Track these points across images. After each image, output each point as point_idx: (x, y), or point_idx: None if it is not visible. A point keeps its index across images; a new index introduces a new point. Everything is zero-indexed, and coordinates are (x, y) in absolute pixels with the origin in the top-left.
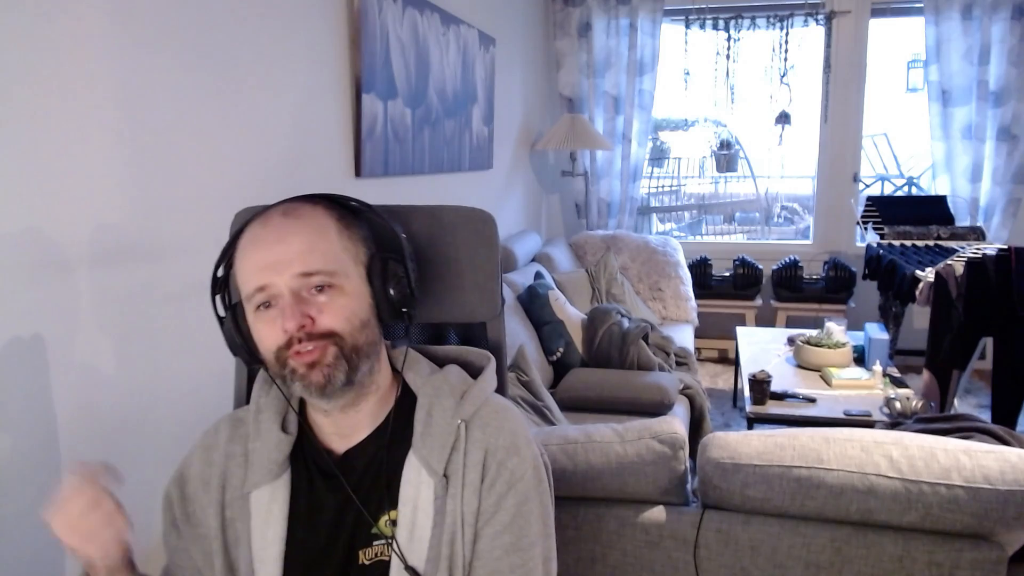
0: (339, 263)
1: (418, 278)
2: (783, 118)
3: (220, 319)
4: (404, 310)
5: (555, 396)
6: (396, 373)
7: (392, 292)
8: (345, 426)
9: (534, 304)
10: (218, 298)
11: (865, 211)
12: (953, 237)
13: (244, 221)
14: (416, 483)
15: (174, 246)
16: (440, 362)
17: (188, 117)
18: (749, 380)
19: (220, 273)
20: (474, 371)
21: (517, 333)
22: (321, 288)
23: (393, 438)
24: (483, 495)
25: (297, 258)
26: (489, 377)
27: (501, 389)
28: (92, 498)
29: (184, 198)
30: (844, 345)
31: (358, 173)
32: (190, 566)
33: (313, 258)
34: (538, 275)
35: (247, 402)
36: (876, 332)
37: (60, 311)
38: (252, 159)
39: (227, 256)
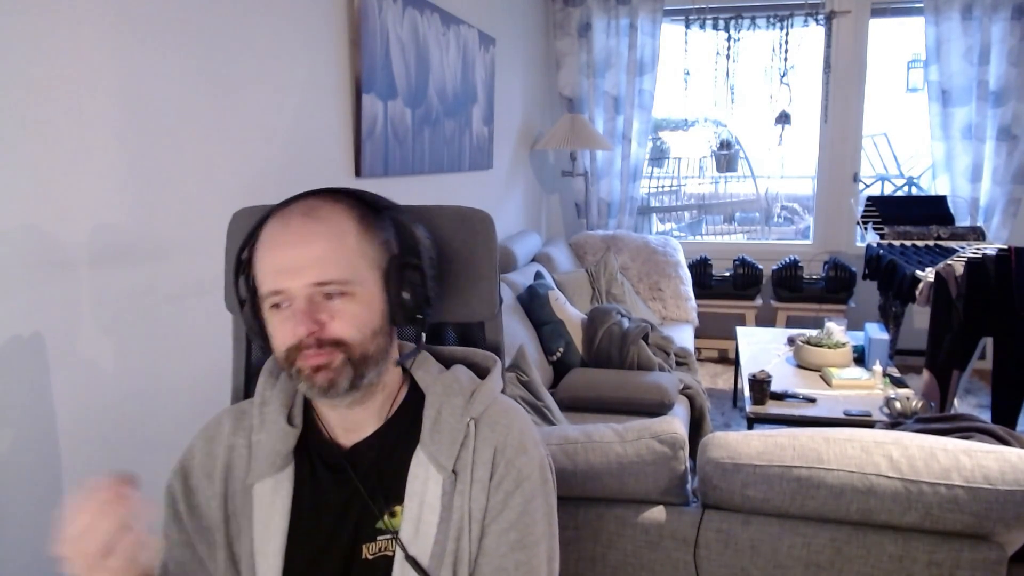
0: (355, 271)
1: (436, 282)
2: (783, 118)
3: (240, 303)
4: (419, 316)
5: (555, 396)
6: (404, 370)
7: (407, 299)
8: (352, 421)
9: (534, 304)
10: (241, 280)
11: (865, 211)
12: (953, 237)
13: (267, 211)
14: (423, 479)
15: (174, 246)
16: (446, 362)
17: (188, 117)
18: (749, 380)
19: (244, 256)
20: (480, 372)
21: (517, 333)
22: (335, 294)
23: (400, 434)
24: (491, 492)
25: (313, 265)
26: (496, 378)
27: (502, 391)
28: (119, 521)
29: (184, 198)
30: (844, 345)
31: (358, 173)
32: (192, 559)
33: (328, 267)
34: (538, 275)
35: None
36: (876, 332)
37: (60, 310)
38: (252, 159)
39: (249, 242)
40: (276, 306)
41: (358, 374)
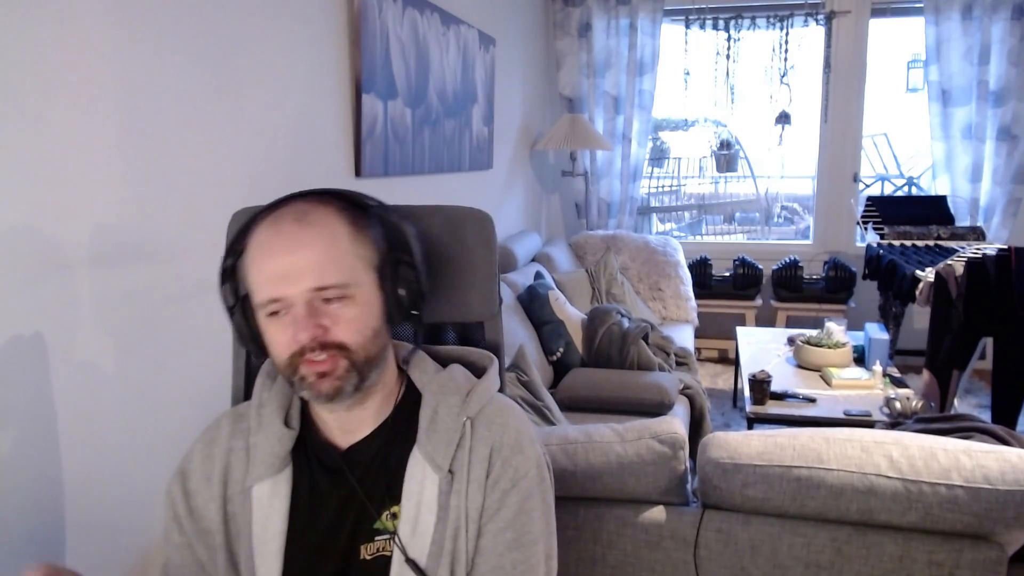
0: (352, 273)
1: (428, 277)
2: (783, 118)
3: (229, 310)
4: (414, 312)
5: (555, 396)
6: (400, 370)
7: (403, 295)
8: (349, 422)
9: (534, 304)
10: (227, 288)
11: (865, 211)
12: (953, 237)
13: (250, 217)
14: (420, 479)
15: (174, 246)
16: (443, 362)
17: (188, 117)
18: (749, 380)
19: (228, 264)
20: (476, 371)
21: (517, 333)
22: (333, 298)
23: (397, 434)
24: (487, 491)
25: (311, 271)
26: (493, 377)
27: (500, 389)
28: None
29: (184, 198)
30: (844, 345)
31: (358, 173)
32: (192, 562)
33: (326, 271)
34: (538, 275)
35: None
36: (876, 332)
37: (60, 310)
38: (252, 159)
39: (235, 249)
40: (274, 314)
41: (362, 377)
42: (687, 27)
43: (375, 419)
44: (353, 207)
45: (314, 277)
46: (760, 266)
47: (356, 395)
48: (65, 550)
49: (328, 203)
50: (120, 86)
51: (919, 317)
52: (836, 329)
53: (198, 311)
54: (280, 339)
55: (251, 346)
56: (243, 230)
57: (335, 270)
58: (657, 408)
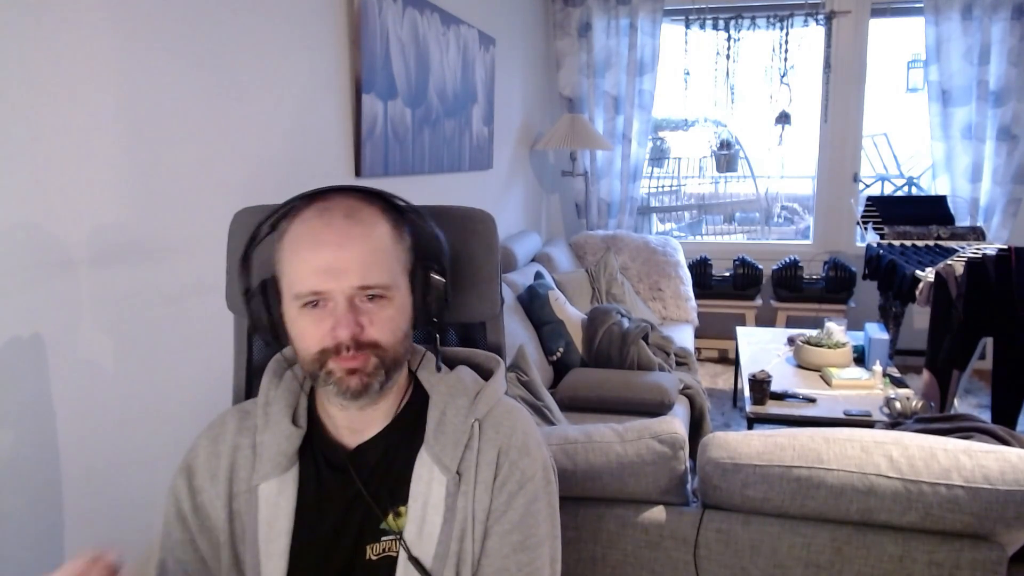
0: (393, 275)
1: (453, 286)
2: (783, 118)
3: (245, 295)
4: (435, 320)
5: (555, 396)
6: (408, 370)
7: (431, 304)
8: (359, 422)
9: (534, 304)
10: (246, 272)
11: (865, 211)
12: (953, 237)
13: (287, 203)
14: (427, 480)
15: (174, 246)
16: (449, 363)
17: (188, 117)
18: (749, 380)
19: (253, 249)
20: (482, 373)
21: (517, 333)
22: (373, 297)
23: (404, 435)
24: (494, 493)
25: (357, 268)
26: (500, 379)
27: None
28: None
29: (184, 198)
30: (844, 345)
31: (358, 173)
32: (194, 559)
33: (372, 271)
34: (538, 275)
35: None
36: (876, 332)
37: (60, 310)
38: (252, 159)
39: (258, 236)
40: (310, 304)
41: (387, 377)
42: (687, 27)
43: (384, 419)
44: (393, 210)
45: (359, 275)
46: (760, 266)
47: (379, 394)
48: (65, 550)
49: (374, 203)
50: (120, 86)
51: (919, 317)
52: (836, 329)
53: (198, 311)
54: (313, 332)
55: (267, 334)
56: (279, 217)
57: (379, 270)
58: (657, 408)
